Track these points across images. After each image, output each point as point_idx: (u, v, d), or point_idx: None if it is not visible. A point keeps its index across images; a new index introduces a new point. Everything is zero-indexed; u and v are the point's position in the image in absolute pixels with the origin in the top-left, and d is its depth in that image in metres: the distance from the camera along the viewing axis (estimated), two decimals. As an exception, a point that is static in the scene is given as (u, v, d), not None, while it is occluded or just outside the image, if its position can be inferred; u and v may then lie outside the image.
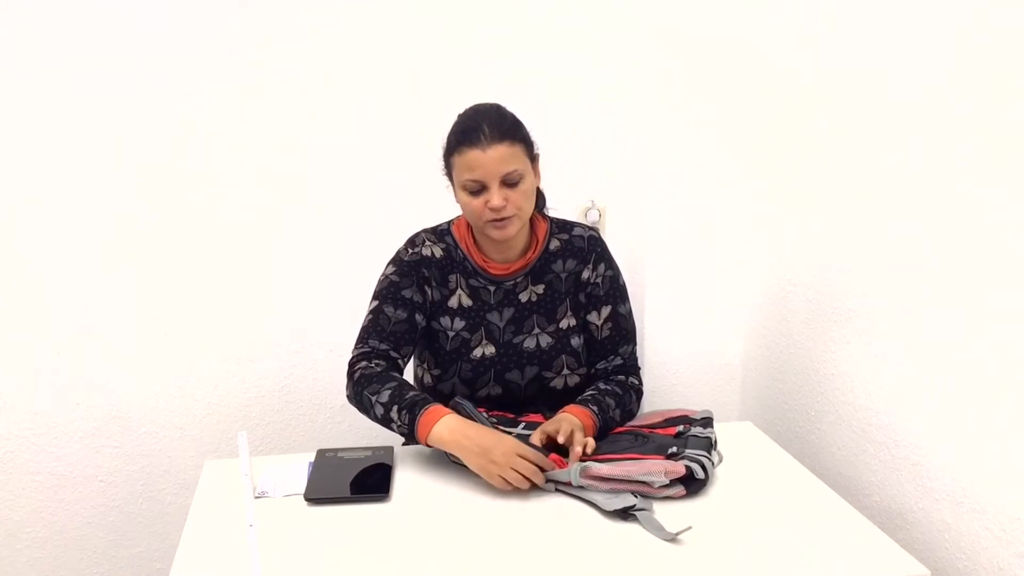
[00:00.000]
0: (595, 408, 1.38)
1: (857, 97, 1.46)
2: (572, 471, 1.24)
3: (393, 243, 1.49)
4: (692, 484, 1.24)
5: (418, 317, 1.43)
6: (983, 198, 1.18)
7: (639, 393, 1.50)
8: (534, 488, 1.26)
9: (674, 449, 1.29)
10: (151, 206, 1.70)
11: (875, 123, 1.41)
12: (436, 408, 1.30)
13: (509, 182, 1.31)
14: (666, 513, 1.19)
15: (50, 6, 1.56)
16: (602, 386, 1.46)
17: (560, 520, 1.20)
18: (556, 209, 1.54)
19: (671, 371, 1.96)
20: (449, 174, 1.39)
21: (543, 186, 1.48)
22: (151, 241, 1.71)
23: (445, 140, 1.37)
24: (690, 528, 1.14)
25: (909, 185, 1.33)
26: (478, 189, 1.32)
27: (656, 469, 1.21)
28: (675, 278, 1.90)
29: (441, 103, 1.44)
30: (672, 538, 1.13)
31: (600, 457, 1.27)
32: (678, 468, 1.22)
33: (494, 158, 1.29)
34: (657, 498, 1.23)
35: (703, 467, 1.25)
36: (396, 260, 1.46)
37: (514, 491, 1.25)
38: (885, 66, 1.38)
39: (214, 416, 1.83)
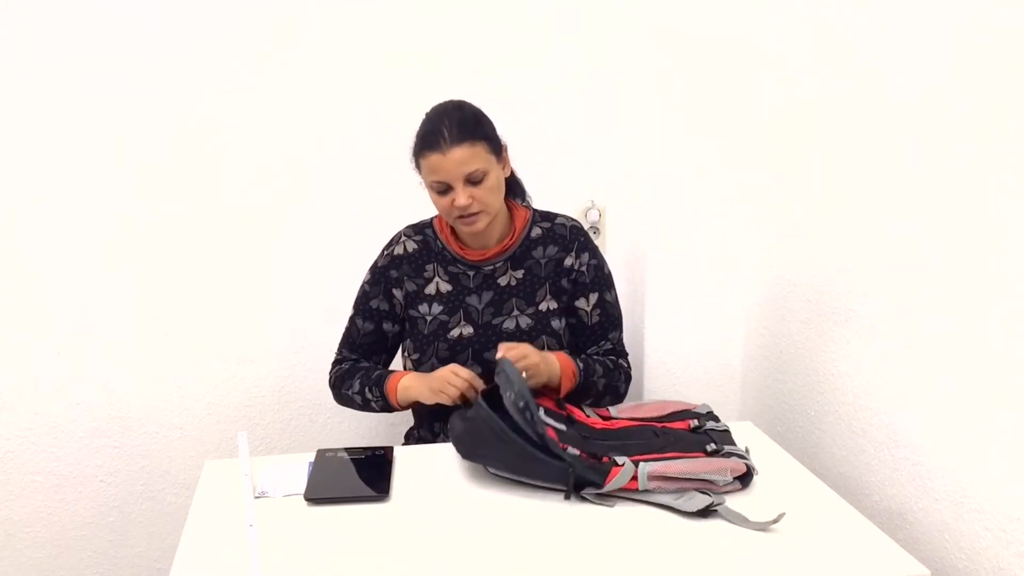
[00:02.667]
0: (581, 365, 1.43)
1: (858, 97, 1.46)
2: (640, 474, 1.23)
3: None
4: (745, 479, 1.27)
5: (386, 325, 1.52)
6: (983, 198, 1.18)
7: (628, 377, 1.53)
8: (598, 498, 1.24)
9: (713, 446, 1.31)
10: (151, 206, 1.70)
11: (876, 123, 1.41)
12: (396, 373, 1.46)
13: (473, 180, 1.35)
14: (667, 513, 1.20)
15: (50, 6, 1.57)
16: (594, 355, 1.50)
17: (559, 520, 1.20)
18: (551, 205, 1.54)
19: (671, 371, 1.96)
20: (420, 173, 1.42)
21: (531, 180, 1.49)
22: (151, 241, 1.71)
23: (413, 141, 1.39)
24: (784, 515, 1.15)
25: (909, 185, 1.33)
26: (444, 189, 1.36)
27: (722, 467, 1.24)
28: (675, 278, 1.90)
29: (441, 103, 1.44)
30: (762, 528, 1.14)
31: (650, 456, 1.27)
32: (739, 466, 1.25)
33: (455, 160, 1.33)
34: (720, 495, 1.24)
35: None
36: (373, 266, 1.53)
37: (510, 484, 1.27)
38: (886, 66, 1.38)
39: (214, 416, 1.83)
